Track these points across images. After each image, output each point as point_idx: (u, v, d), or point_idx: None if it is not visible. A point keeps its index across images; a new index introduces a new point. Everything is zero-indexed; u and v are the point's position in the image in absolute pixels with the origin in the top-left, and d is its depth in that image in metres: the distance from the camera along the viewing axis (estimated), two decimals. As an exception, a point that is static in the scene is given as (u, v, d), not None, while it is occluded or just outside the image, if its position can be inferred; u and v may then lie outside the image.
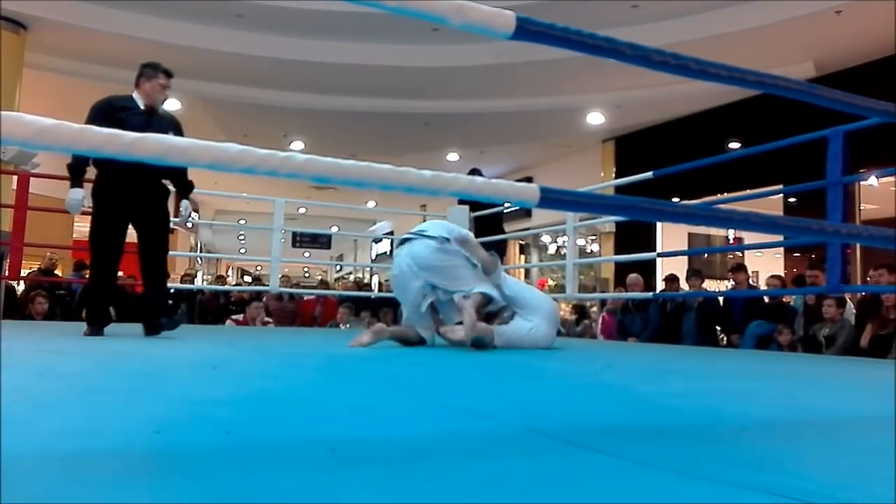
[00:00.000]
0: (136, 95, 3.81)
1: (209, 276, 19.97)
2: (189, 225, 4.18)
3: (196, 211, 3.84)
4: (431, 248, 3.54)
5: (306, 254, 21.91)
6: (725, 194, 8.28)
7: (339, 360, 2.82)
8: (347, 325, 7.79)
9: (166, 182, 4.01)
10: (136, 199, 3.75)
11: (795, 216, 6.70)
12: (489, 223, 6.98)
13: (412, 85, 9.96)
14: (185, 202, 4.08)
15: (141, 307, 3.95)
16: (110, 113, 3.61)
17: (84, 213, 3.92)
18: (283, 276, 9.44)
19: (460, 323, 3.44)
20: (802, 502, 0.77)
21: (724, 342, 6.82)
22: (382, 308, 8.08)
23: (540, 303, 3.76)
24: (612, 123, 11.04)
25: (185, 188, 4.07)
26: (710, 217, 2.11)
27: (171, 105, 10.68)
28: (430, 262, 3.53)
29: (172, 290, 8.15)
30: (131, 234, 3.83)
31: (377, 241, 21.48)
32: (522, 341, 3.51)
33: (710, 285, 10.13)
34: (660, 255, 8.09)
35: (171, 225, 4.11)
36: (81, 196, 3.71)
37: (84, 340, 3.39)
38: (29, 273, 7.85)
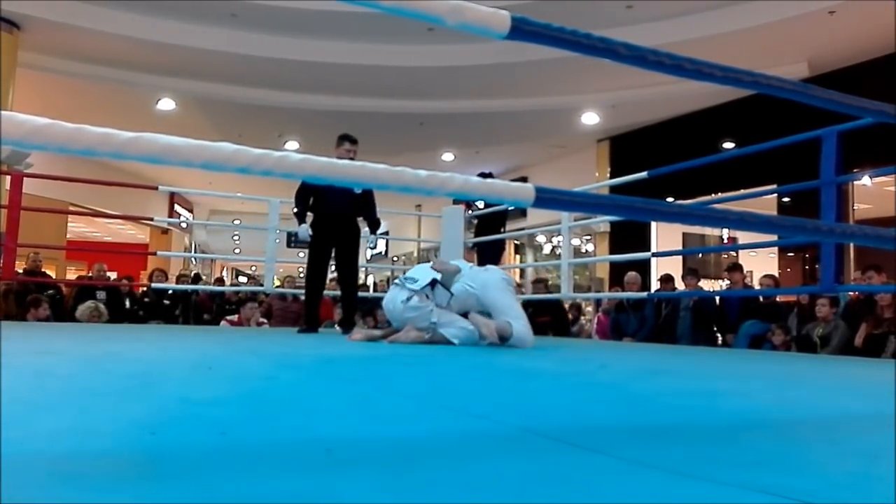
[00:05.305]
0: None
1: (203, 277, 19.88)
2: (371, 247, 5.50)
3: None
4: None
5: (301, 254, 21.83)
6: (720, 194, 8.30)
7: (335, 361, 2.82)
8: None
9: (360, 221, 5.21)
10: (338, 233, 5.02)
11: (789, 216, 6.72)
12: (491, 223, 6.99)
13: (407, 85, 9.96)
14: (371, 236, 5.32)
15: (343, 312, 5.31)
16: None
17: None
18: (288, 277, 9.44)
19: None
20: (802, 502, 0.76)
21: (720, 342, 6.83)
22: (378, 308, 8.05)
23: (510, 306, 3.86)
24: (606, 123, 11.06)
25: (373, 226, 5.29)
26: (705, 217, 2.10)
27: (166, 105, 10.73)
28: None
29: (171, 292, 8.16)
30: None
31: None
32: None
33: (705, 285, 10.15)
34: (654, 254, 8.10)
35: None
36: (306, 229, 5.01)
37: (80, 342, 3.41)
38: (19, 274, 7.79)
